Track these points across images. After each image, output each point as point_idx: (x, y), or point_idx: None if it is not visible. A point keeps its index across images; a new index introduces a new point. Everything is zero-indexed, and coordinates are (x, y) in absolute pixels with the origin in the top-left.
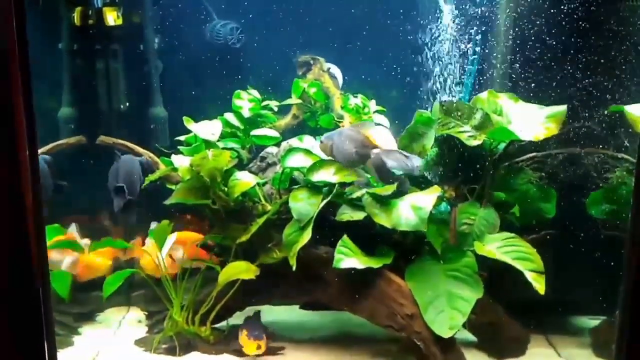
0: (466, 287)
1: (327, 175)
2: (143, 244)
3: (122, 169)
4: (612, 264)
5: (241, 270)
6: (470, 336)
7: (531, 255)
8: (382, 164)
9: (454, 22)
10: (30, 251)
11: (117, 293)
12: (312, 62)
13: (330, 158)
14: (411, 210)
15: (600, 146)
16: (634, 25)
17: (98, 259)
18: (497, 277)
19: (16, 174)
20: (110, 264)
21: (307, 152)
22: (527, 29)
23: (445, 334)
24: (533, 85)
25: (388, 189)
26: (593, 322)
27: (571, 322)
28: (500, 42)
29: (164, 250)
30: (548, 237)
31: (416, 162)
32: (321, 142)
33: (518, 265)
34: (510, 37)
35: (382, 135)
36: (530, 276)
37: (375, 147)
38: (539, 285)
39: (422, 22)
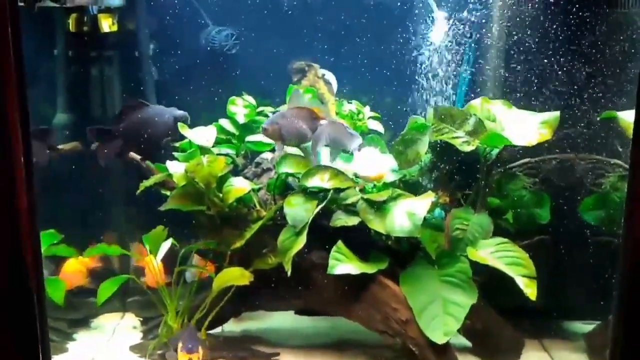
0: (460, 292)
1: (322, 181)
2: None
3: (150, 120)
4: (606, 269)
5: (235, 276)
6: (464, 341)
7: (523, 261)
8: (323, 134)
9: (447, 28)
10: (25, 257)
11: (112, 299)
12: (306, 68)
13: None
14: (405, 216)
15: (594, 152)
16: (626, 32)
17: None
18: (492, 282)
19: (11, 180)
20: (84, 272)
21: (302, 158)
22: (521, 35)
23: (440, 340)
24: (526, 91)
25: (383, 195)
26: (587, 327)
27: (565, 327)
28: (494, 48)
29: (159, 257)
30: (542, 242)
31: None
32: (265, 129)
33: (510, 270)
34: (504, 43)
35: (373, 156)
36: (522, 282)
37: (323, 119)
38: (531, 291)
39: (416, 28)
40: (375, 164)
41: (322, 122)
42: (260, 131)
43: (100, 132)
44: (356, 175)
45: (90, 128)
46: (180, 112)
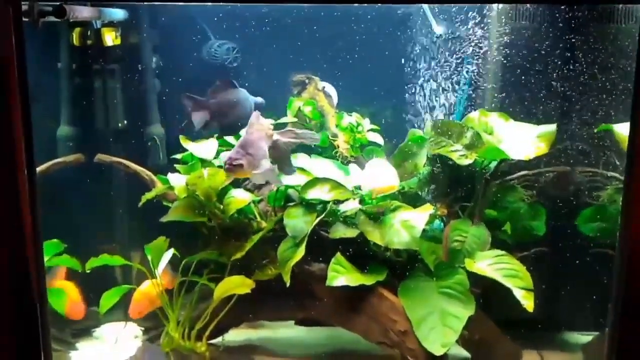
0: (458, 303)
1: (321, 192)
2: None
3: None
4: (603, 280)
5: (236, 285)
6: (463, 352)
7: (521, 273)
8: (279, 146)
9: (446, 42)
10: (29, 267)
11: (115, 308)
12: (307, 81)
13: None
14: (404, 228)
15: (590, 165)
16: (622, 46)
17: None
18: (490, 294)
19: (15, 193)
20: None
21: (302, 170)
22: (519, 48)
23: (438, 351)
24: (524, 104)
25: (381, 206)
26: (585, 337)
27: (563, 337)
28: (493, 62)
29: (160, 267)
30: (539, 254)
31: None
32: (239, 165)
33: (508, 282)
34: (502, 57)
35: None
36: (519, 294)
37: (273, 134)
38: (528, 302)
39: (415, 42)
40: (384, 176)
41: (274, 137)
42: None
43: (194, 101)
44: (357, 188)
45: (187, 95)
46: (259, 100)
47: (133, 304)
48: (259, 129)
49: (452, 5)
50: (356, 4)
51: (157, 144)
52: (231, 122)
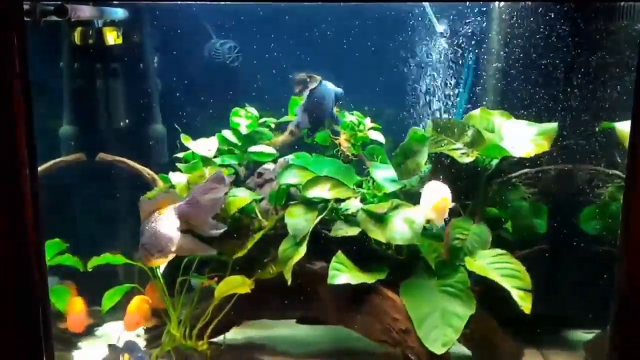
0: (459, 302)
1: (323, 191)
2: None
3: (324, 95)
4: (605, 278)
5: (237, 284)
6: (464, 350)
7: (520, 273)
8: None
9: (447, 40)
10: (31, 267)
11: (117, 307)
12: (308, 80)
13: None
14: (405, 224)
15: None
16: (625, 43)
17: None
18: (491, 291)
19: (17, 191)
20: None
21: (303, 168)
22: (521, 46)
23: (439, 350)
24: (526, 102)
25: (383, 206)
26: (587, 336)
27: (565, 336)
28: (494, 60)
29: (161, 267)
30: (540, 252)
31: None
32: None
33: (506, 283)
34: (503, 54)
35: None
36: (516, 294)
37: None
38: (526, 304)
39: (416, 39)
40: (435, 191)
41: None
42: (261, 142)
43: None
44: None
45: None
46: (340, 90)
47: (127, 316)
48: (151, 218)
49: (452, 3)
50: (355, 3)
51: (179, 130)
52: (322, 115)
